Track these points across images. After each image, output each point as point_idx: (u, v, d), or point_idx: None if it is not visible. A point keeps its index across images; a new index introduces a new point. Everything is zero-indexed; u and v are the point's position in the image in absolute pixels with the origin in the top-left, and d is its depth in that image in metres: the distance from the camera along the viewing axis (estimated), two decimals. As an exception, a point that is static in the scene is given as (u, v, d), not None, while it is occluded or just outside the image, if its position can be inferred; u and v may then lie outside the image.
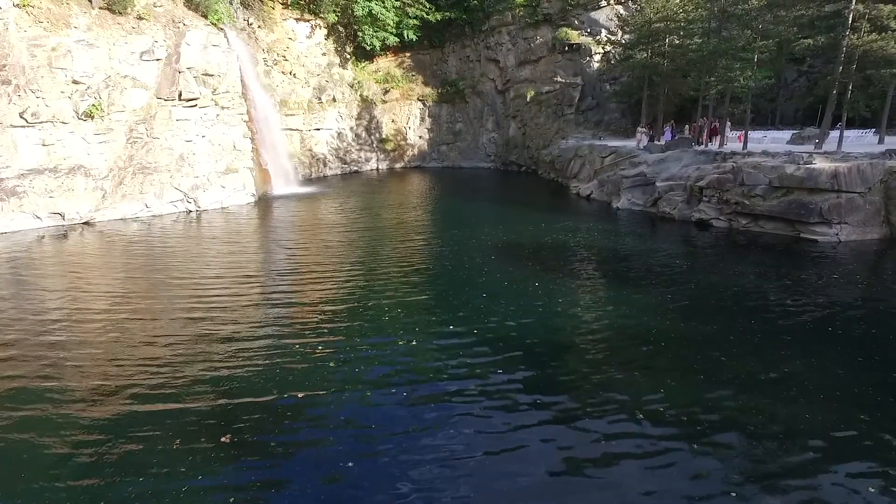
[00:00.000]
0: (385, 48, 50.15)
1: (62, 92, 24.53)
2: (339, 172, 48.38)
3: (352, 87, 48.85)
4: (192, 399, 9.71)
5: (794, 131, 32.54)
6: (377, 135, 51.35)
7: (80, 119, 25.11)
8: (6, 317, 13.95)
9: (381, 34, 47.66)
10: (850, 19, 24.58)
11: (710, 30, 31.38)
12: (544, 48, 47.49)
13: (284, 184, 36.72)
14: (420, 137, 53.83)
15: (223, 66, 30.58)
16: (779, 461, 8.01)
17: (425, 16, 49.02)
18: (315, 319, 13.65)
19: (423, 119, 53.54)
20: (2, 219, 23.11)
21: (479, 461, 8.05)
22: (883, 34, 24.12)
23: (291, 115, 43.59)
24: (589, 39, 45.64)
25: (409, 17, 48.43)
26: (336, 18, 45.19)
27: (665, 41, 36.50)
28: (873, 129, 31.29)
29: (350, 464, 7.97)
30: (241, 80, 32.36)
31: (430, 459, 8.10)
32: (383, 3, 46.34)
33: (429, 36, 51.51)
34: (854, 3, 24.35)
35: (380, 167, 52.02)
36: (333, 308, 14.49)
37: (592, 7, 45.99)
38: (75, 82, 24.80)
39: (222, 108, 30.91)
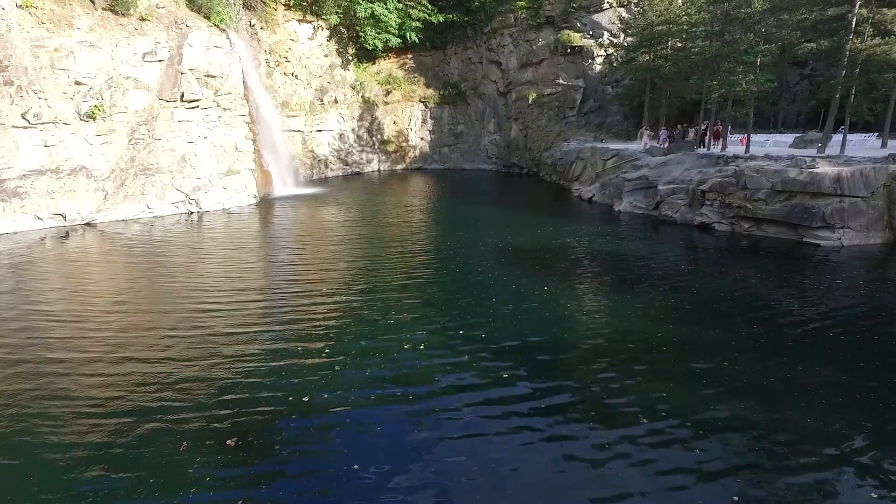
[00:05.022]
0: (387, 50, 50.25)
1: (64, 93, 24.53)
2: (341, 174, 48.40)
3: (353, 88, 48.89)
4: (196, 402, 9.67)
5: (797, 135, 32.55)
6: (379, 136, 51.39)
7: (81, 120, 25.10)
8: (8, 319, 13.91)
9: (383, 36, 47.73)
10: (854, 23, 24.58)
11: (712, 33, 31.43)
12: (546, 50, 47.57)
13: (286, 185, 36.73)
14: (422, 139, 53.89)
15: (225, 68, 30.58)
16: (781, 466, 7.99)
17: (427, 17, 49.09)
18: (319, 322, 13.62)
19: (424, 121, 53.60)
20: (3, 220, 23.08)
21: (483, 463, 8.03)
22: (886, 38, 24.14)
23: (293, 116, 43.63)
24: (591, 42, 45.74)
25: (412, 19, 48.50)
26: (338, 20, 45.24)
27: (667, 44, 36.62)
28: (876, 133, 31.32)
29: (355, 466, 7.95)
30: (243, 82, 32.37)
31: (435, 461, 8.08)
32: (385, 4, 46.39)
33: (431, 38, 51.59)
34: (857, 6, 24.35)
35: (381, 169, 52.04)
36: (338, 310, 14.45)
37: (594, 10, 46.09)
38: (77, 83, 24.79)
39: (224, 109, 30.92)
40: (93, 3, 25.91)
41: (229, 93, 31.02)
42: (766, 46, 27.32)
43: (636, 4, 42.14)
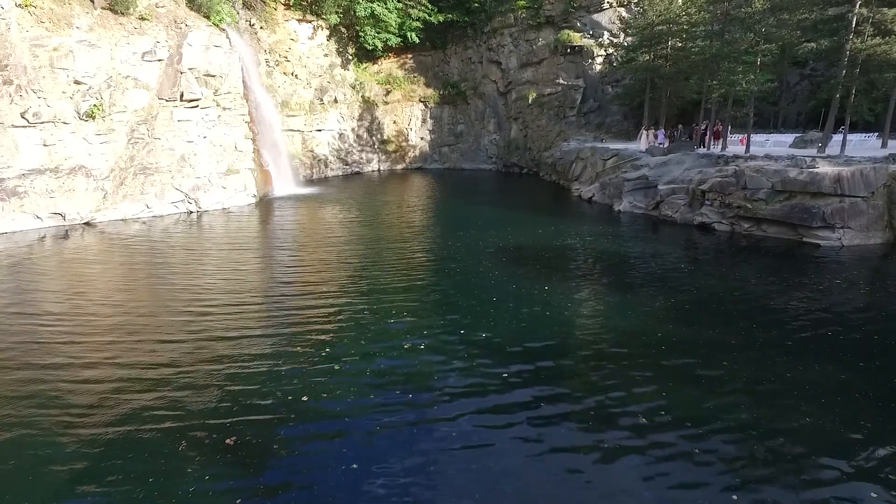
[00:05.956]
0: (387, 49, 50.22)
1: (63, 92, 24.50)
2: (341, 173, 48.38)
3: (353, 88, 48.86)
4: (196, 401, 9.65)
5: (797, 135, 32.53)
6: (378, 136, 51.37)
7: (81, 119, 25.08)
8: (7, 319, 13.89)
9: (383, 35, 47.71)
10: (854, 23, 24.55)
11: (712, 33, 31.40)
12: (546, 50, 47.54)
13: (286, 185, 36.68)
14: (421, 139, 53.86)
15: (225, 67, 30.56)
16: (780, 466, 7.97)
17: (427, 17, 49.05)
18: (319, 322, 13.60)
19: (424, 120, 53.57)
20: (3, 219, 23.05)
21: (483, 463, 8.02)
22: (887, 38, 24.10)
23: (293, 116, 43.61)
24: (591, 42, 45.71)
25: (412, 19, 48.46)
26: (338, 19, 45.22)
27: (667, 44, 36.59)
28: (876, 133, 31.27)
29: (354, 465, 7.94)
30: (243, 81, 32.34)
31: (435, 460, 8.06)
32: (385, 4, 46.35)
33: (431, 37, 51.56)
34: (857, 6, 24.32)
35: (381, 168, 52.03)
36: (337, 311, 14.42)
37: (595, 9, 46.06)
38: (77, 83, 24.76)
39: (224, 108, 30.90)
40: (92, 2, 25.88)
41: (229, 92, 31.00)
42: (766, 46, 27.30)
43: (636, 4, 42.12)
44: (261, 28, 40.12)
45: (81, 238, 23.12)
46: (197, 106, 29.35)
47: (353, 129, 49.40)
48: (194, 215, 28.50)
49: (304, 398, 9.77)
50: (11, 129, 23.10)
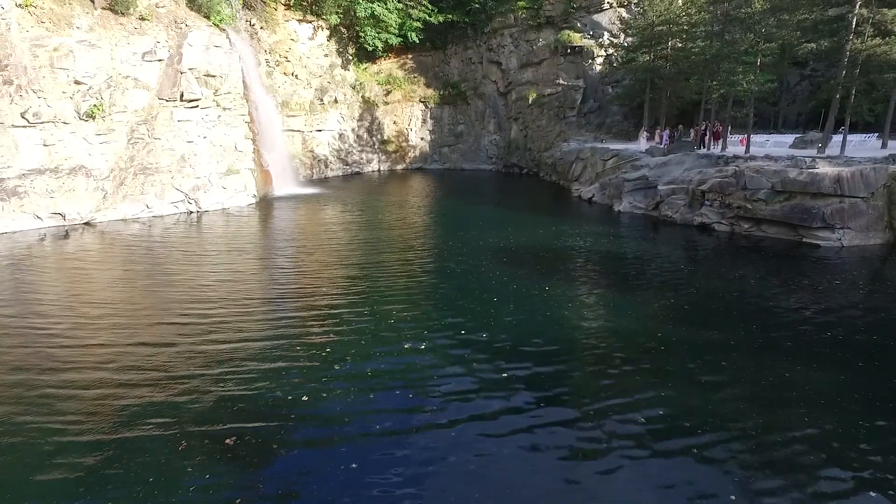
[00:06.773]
0: (387, 50, 50.24)
1: (64, 92, 24.50)
2: (341, 174, 48.38)
3: (353, 88, 48.86)
4: (195, 402, 9.65)
5: (797, 135, 32.53)
6: (379, 136, 51.37)
7: (81, 119, 25.07)
8: (6, 319, 13.89)
9: (384, 35, 47.72)
10: (854, 23, 24.55)
11: (712, 33, 31.41)
12: (546, 51, 47.55)
13: (286, 185, 36.67)
14: (422, 139, 53.86)
15: (225, 67, 30.55)
16: (779, 467, 7.97)
17: (427, 18, 49.06)
18: (320, 322, 13.60)
19: (424, 121, 53.57)
20: (3, 219, 23.04)
21: (482, 464, 8.02)
22: (887, 38, 24.10)
23: (293, 116, 43.61)
24: (591, 42, 45.72)
25: (412, 19, 48.47)
26: (338, 20, 45.22)
27: (667, 44, 36.60)
28: (876, 134, 31.27)
29: (353, 465, 7.94)
30: (243, 81, 32.33)
31: (434, 461, 8.07)
32: (385, 4, 46.36)
33: (431, 38, 51.58)
34: (857, 7, 24.33)
35: (381, 168, 52.03)
36: (338, 311, 14.42)
37: (595, 10, 46.09)
38: (77, 83, 24.76)
39: (224, 109, 30.89)
40: (92, 2, 25.88)
41: (229, 92, 30.99)
42: (766, 46, 27.29)
43: (636, 4, 42.14)
44: (261, 28, 40.11)
45: (81, 238, 23.11)
46: (197, 106, 29.34)
47: (353, 130, 49.39)
48: (194, 215, 28.49)
49: (304, 398, 9.77)
50: (11, 129, 23.09)
